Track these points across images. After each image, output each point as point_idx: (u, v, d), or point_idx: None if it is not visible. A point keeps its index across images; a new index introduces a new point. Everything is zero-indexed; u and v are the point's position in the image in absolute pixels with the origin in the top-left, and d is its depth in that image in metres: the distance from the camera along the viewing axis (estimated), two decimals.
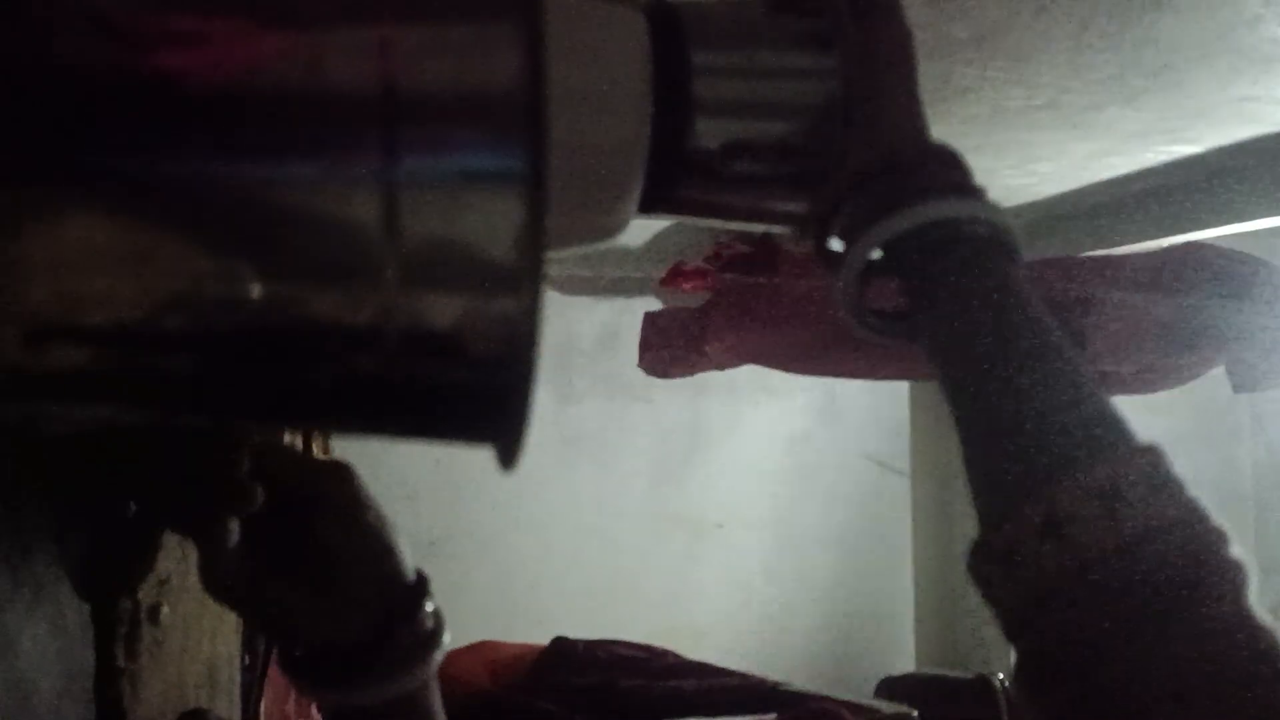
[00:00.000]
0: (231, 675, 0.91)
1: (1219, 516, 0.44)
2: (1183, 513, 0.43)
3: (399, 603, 0.57)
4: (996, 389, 0.48)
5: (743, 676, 2.05)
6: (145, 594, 0.66)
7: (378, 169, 0.34)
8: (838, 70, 0.56)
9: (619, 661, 2.11)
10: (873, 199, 0.52)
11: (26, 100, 0.33)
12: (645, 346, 2.14)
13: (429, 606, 0.58)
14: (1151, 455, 0.45)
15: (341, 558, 0.56)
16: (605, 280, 2.80)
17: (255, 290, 0.35)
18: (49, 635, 0.56)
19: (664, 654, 2.17)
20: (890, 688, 2.45)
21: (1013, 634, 0.46)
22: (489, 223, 0.35)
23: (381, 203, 0.34)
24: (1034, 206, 2.27)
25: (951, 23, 1.32)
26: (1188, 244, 1.87)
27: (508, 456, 0.38)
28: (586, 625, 2.25)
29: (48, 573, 0.56)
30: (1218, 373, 1.90)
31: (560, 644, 2.16)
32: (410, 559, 0.58)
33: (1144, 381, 1.85)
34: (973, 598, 0.48)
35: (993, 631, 0.51)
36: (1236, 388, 1.87)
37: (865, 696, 2.17)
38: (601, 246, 0.58)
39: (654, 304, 2.63)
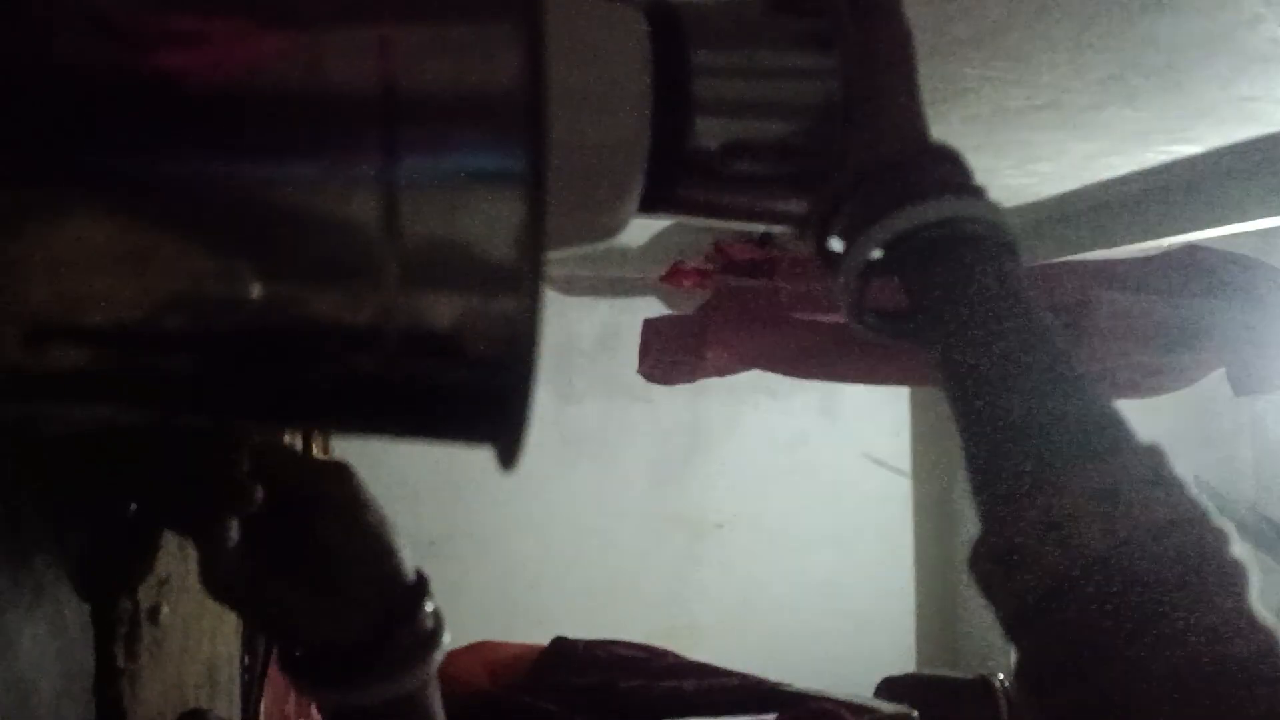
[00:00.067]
0: (231, 675, 0.91)
1: (1219, 516, 0.44)
2: (1183, 513, 0.43)
3: (399, 603, 0.57)
4: (997, 388, 0.48)
5: (742, 676, 2.04)
6: (145, 594, 0.66)
7: (378, 169, 0.34)
8: (838, 70, 0.55)
9: (619, 661, 2.11)
10: (873, 199, 0.52)
11: (26, 100, 0.33)
12: (645, 352, 2.14)
13: (429, 606, 0.58)
14: (1152, 455, 0.45)
15: (341, 558, 0.56)
16: (605, 280, 2.80)
17: (255, 290, 0.35)
18: (49, 635, 0.56)
19: (664, 654, 2.17)
20: (890, 688, 2.45)
21: (1013, 634, 0.46)
22: (489, 223, 0.35)
23: (381, 203, 0.34)
24: (1034, 206, 2.28)
25: (952, 23, 1.32)
26: (1187, 246, 1.87)
27: (508, 456, 0.38)
28: (586, 625, 2.25)
29: (48, 573, 0.56)
30: (1218, 373, 1.89)
31: (560, 644, 2.16)
32: (410, 559, 0.58)
33: (1144, 384, 1.85)
34: (973, 598, 0.48)
35: (993, 631, 0.51)
36: (1237, 391, 1.87)
37: (865, 696, 2.16)
38: (601, 246, 0.58)
39: (654, 304, 2.63)
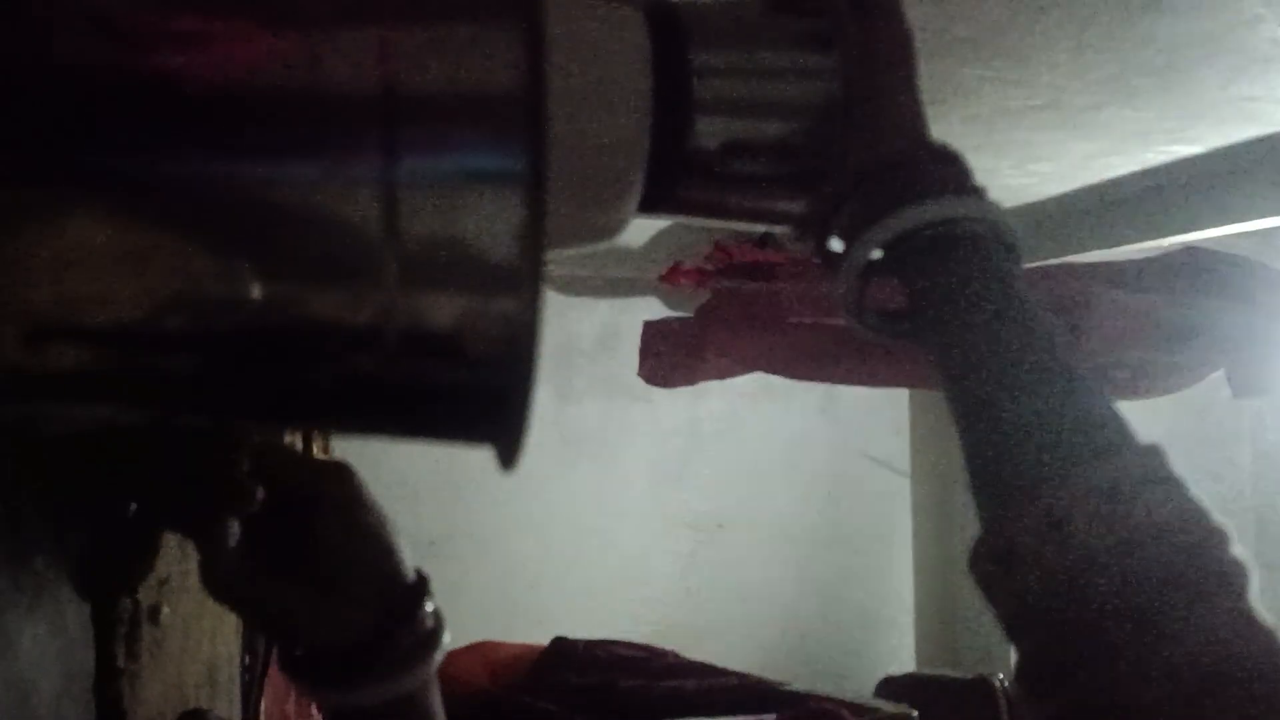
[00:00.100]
0: (231, 675, 0.92)
1: (1219, 516, 0.44)
2: (1183, 513, 0.43)
3: (399, 603, 0.57)
4: (997, 388, 0.48)
5: (742, 676, 2.05)
6: (145, 594, 0.66)
7: (378, 169, 0.34)
8: (838, 70, 0.56)
9: (619, 661, 2.11)
10: (873, 198, 0.52)
11: (26, 100, 0.33)
12: (645, 354, 2.13)
13: (429, 606, 0.58)
14: (1152, 455, 0.45)
15: (341, 558, 0.55)
16: (605, 280, 2.80)
17: (255, 290, 0.35)
18: (49, 635, 0.56)
19: (664, 654, 2.17)
20: (890, 688, 2.45)
21: (1014, 634, 0.46)
22: (489, 223, 0.35)
23: (381, 203, 0.34)
24: (1034, 206, 2.28)
25: (952, 23, 1.32)
26: (1187, 248, 1.87)
27: (508, 456, 0.38)
28: (586, 625, 2.26)
29: (48, 573, 0.56)
30: (1217, 374, 1.89)
31: (560, 644, 2.16)
32: (410, 559, 0.58)
33: (1143, 385, 1.85)
34: (973, 598, 0.48)
35: (993, 631, 0.51)
36: (1236, 393, 1.86)
37: (865, 696, 2.16)
38: (601, 246, 0.58)
39: (654, 304, 2.63)
